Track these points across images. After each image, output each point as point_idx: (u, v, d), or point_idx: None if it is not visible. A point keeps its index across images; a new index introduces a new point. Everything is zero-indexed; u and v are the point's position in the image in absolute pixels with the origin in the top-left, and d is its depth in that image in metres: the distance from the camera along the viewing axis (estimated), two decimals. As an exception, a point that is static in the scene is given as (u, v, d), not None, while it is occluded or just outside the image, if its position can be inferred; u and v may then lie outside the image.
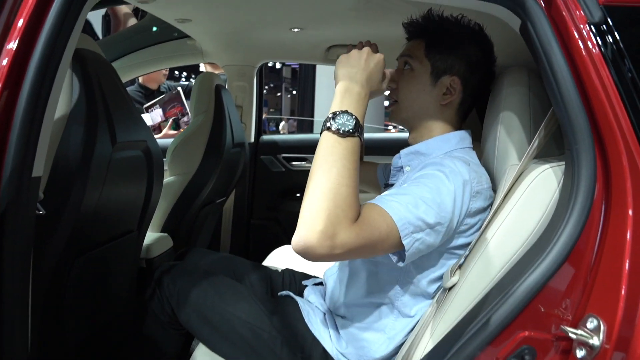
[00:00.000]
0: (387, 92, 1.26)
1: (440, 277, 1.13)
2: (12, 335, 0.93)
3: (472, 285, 0.99)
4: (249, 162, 2.71)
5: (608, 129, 0.84)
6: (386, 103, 10.00)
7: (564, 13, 0.89)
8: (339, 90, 1.03)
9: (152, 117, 3.19)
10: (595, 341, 0.80)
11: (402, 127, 1.37)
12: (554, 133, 1.08)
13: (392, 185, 1.31)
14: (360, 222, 0.92)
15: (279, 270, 1.57)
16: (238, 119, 2.43)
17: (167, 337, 1.34)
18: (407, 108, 1.24)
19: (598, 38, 0.86)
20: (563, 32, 0.89)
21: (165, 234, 2.02)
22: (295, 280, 1.52)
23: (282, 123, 7.49)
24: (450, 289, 1.03)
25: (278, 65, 16.94)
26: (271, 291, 1.50)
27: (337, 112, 0.98)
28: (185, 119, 3.19)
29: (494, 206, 1.09)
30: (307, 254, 0.88)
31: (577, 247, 0.84)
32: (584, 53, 0.86)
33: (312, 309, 1.27)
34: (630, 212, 0.79)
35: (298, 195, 2.79)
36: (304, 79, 7.26)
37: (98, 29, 3.01)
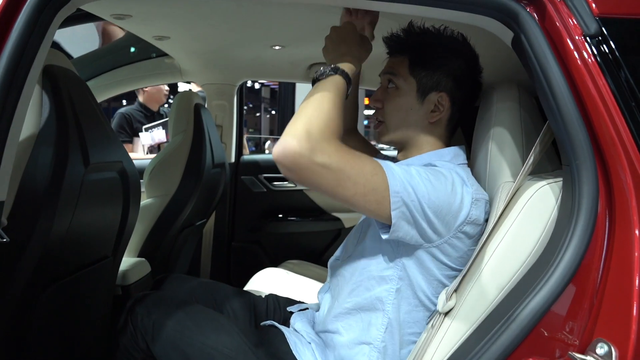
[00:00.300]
0: (368, 112, 1.24)
1: (433, 299, 1.09)
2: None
3: (470, 310, 0.94)
4: (230, 182, 2.65)
5: (609, 143, 0.81)
6: (365, 122, 10.05)
7: (558, 25, 0.86)
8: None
9: (152, 136, 3.17)
10: (605, 368, 0.75)
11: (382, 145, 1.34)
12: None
13: None
14: (345, 147, 0.96)
15: (263, 296, 1.50)
16: (218, 139, 2.37)
17: (140, 377, 1.25)
18: (394, 128, 1.20)
19: (594, 50, 0.84)
20: (558, 45, 0.86)
21: (143, 259, 1.93)
22: (280, 307, 1.45)
23: (268, 142, 7.43)
24: (446, 313, 0.98)
25: (257, 86, 16.95)
26: (255, 319, 1.42)
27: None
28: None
29: (489, 224, 1.05)
30: (287, 156, 0.90)
31: (581, 267, 0.80)
32: (581, 65, 0.84)
33: (299, 338, 1.20)
34: (637, 231, 0.76)
35: (280, 216, 2.73)
36: (284, 98, 7.25)
37: (71, 48, 2.93)
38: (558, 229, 0.89)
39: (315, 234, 2.70)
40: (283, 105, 7.25)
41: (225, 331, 1.18)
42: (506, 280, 0.93)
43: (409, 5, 0.98)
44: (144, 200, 2.02)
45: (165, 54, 2.29)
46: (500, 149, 1.13)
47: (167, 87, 3.53)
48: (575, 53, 0.85)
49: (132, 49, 2.42)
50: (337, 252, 1.29)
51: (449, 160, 1.16)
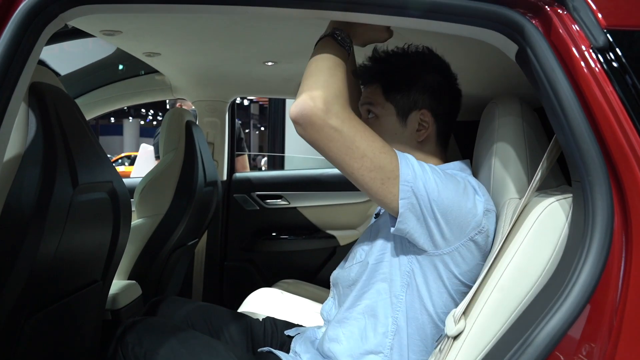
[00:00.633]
0: None
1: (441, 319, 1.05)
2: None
3: (480, 333, 0.90)
4: (222, 201, 2.60)
5: (622, 158, 0.79)
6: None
7: (565, 37, 0.84)
8: None
9: None
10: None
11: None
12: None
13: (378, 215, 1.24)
14: (358, 119, 1.00)
15: (260, 320, 1.44)
16: (210, 156, 2.33)
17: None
18: None
19: (603, 62, 0.82)
20: (565, 58, 0.84)
21: (133, 282, 1.87)
22: (277, 330, 1.40)
23: (264, 159, 7.37)
24: (455, 337, 0.94)
25: (246, 102, 16.97)
26: (252, 344, 1.36)
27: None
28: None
29: (496, 242, 1.01)
30: (303, 115, 0.94)
31: (598, 287, 0.77)
32: (590, 78, 0.81)
33: (299, 363, 1.15)
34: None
35: (274, 234, 2.68)
36: (274, 114, 7.23)
37: (57, 66, 2.89)
38: (570, 248, 0.86)
39: (309, 252, 2.65)
40: (273, 122, 7.23)
41: (222, 358, 1.13)
42: (518, 301, 0.89)
43: (410, 19, 0.96)
44: (135, 221, 1.98)
45: (155, 71, 2.26)
46: (503, 164, 1.10)
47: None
48: (584, 66, 0.82)
49: (120, 67, 2.39)
50: (342, 263, 1.25)
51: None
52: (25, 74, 0.86)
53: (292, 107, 0.97)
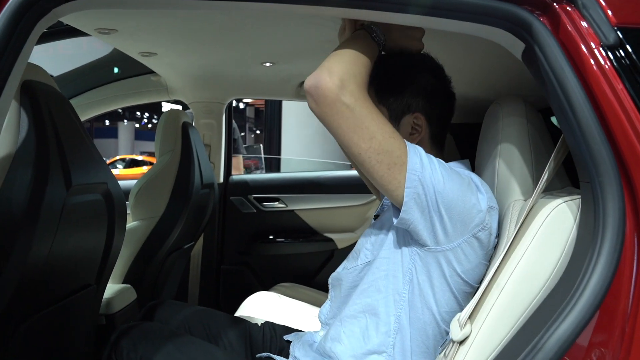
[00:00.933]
0: None
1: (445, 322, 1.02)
2: None
3: (487, 338, 0.87)
4: (218, 203, 2.57)
5: (634, 158, 0.76)
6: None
7: (574, 35, 0.82)
8: None
9: None
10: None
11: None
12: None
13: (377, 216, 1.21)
14: (372, 102, 1.00)
15: (259, 324, 1.41)
16: (206, 158, 2.30)
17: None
18: None
19: (614, 60, 0.80)
20: (575, 56, 0.82)
21: (128, 286, 1.84)
22: (276, 335, 1.37)
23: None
24: (461, 342, 0.91)
25: (241, 105, 16.95)
26: (251, 349, 1.33)
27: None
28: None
29: (501, 244, 0.99)
30: (317, 88, 0.95)
31: (610, 291, 0.74)
32: (600, 77, 0.79)
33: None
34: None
35: (271, 237, 2.65)
36: (270, 117, 7.20)
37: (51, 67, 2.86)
38: (579, 250, 0.83)
39: (307, 255, 2.62)
40: (270, 125, 7.20)
41: (220, 366, 1.10)
42: (525, 305, 0.87)
43: (414, 16, 0.94)
44: (130, 223, 1.94)
45: (151, 72, 2.23)
46: (508, 165, 1.08)
47: None
48: (594, 64, 0.80)
49: (116, 70, 2.36)
50: (344, 264, 1.22)
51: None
52: (17, 71, 0.83)
53: (308, 78, 0.97)
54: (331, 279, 1.24)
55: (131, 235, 1.89)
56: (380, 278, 1.07)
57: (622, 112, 0.78)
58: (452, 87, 1.21)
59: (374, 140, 0.97)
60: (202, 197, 2.18)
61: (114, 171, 11.65)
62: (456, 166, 1.14)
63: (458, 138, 2.00)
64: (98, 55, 2.34)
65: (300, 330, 1.39)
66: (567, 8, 0.83)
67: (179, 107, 3.28)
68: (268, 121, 7.20)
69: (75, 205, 1.15)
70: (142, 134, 23.76)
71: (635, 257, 0.76)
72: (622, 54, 0.80)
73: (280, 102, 6.61)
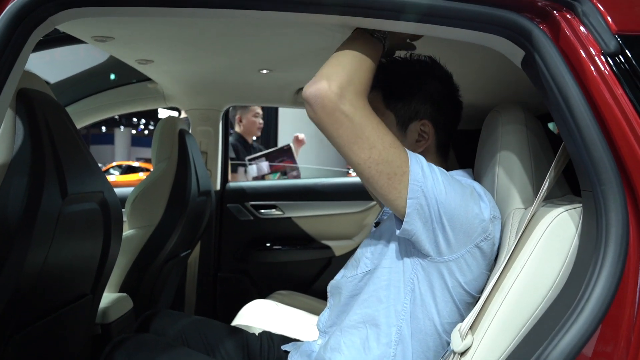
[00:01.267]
0: None
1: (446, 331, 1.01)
2: None
3: (489, 350, 0.86)
4: (215, 211, 2.55)
5: (636, 166, 0.76)
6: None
7: (575, 43, 0.81)
8: None
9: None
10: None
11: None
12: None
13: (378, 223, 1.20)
14: (372, 110, 0.98)
15: (256, 334, 1.40)
16: (203, 166, 2.29)
17: None
18: None
19: (615, 68, 0.79)
20: (575, 63, 0.81)
21: (125, 294, 1.82)
22: (274, 345, 1.35)
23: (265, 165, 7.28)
24: (462, 354, 0.90)
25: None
26: (248, 359, 1.32)
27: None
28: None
29: (502, 253, 0.98)
30: (316, 96, 0.93)
31: (614, 302, 0.73)
32: (601, 84, 0.79)
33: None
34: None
35: (268, 245, 2.64)
36: (266, 124, 7.21)
37: (48, 74, 2.85)
38: (581, 260, 0.83)
39: (304, 262, 2.61)
40: (266, 131, 7.21)
41: (216, 377, 1.08)
42: (528, 316, 0.86)
43: (412, 24, 0.93)
44: (126, 232, 1.93)
45: (148, 79, 2.22)
46: (508, 173, 1.07)
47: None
48: (594, 71, 0.80)
49: (112, 76, 2.35)
50: (342, 272, 1.21)
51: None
52: (12, 79, 0.82)
53: (307, 86, 0.95)
54: (330, 287, 1.22)
55: (127, 243, 1.88)
56: (381, 288, 1.05)
57: (623, 119, 0.77)
58: (459, 96, 1.20)
59: (374, 150, 0.95)
60: (199, 205, 2.16)
61: (110, 178, 11.61)
62: (459, 175, 1.13)
63: (457, 145, 2.00)
64: (95, 62, 2.34)
65: (298, 340, 1.38)
66: (567, 15, 0.83)
67: (176, 114, 3.29)
68: (264, 127, 7.20)
69: (71, 214, 1.14)
70: (139, 141, 23.73)
71: None
72: (623, 61, 0.80)
73: (276, 109, 6.61)
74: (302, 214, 2.64)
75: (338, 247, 2.61)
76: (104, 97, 2.34)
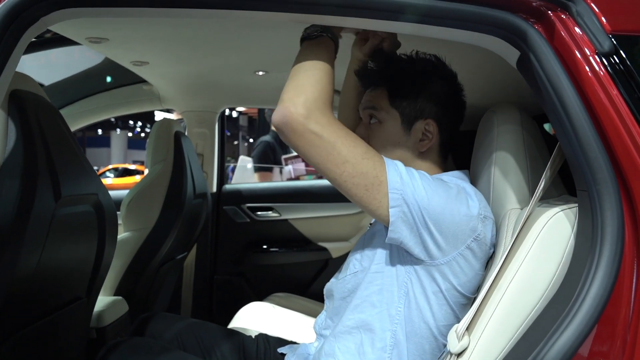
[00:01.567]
0: None
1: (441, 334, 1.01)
2: None
3: (486, 351, 0.86)
4: (211, 213, 2.55)
5: (631, 166, 0.76)
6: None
7: (569, 43, 0.81)
8: None
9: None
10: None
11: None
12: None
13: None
14: (339, 123, 0.98)
15: (253, 337, 1.39)
16: (199, 168, 2.28)
17: None
18: None
19: (609, 68, 0.79)
20: (570, 63, 0.81)
21: (120, 298, 1.81)
22: (270, 348, 1.35)
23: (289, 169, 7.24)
24: (458, 355, 0.89)
25: (234, 114, 16.94)
26: (244, 362, 1.31)
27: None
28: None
29: (498, 254, 0.98)
30: (285, 123, 0.94)
31: (610, 301, 0.73)
32: (596, 84, 0.79)
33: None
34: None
35: (265, 247, 2.63)
36: (263, 125, 7.21)
37: (42, 76, 2.84)
38: (577, 260, 0.82)
39: (301, 264, 2.60)
40: (262, 133, 7.21)
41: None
42: (524, 316, 0.85)
43: (407, 24, 0.93)
44: (121, 234, 1.91)
45: (143, 81, 2.22)
46: (504, 173, 1.07)
47: None
48: (589, 71, 0.80)
49: (109, 79, 2.34)
50: (337, 274, 1.20)
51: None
52: (4, 80, 0.81)
53: (274, 113, 0.96)
54: (325, 290, 1.22)
55: (123, 246, 1.87)
56: (374, 293, 1.05)
57: (618, 119, 0.77)
58: (464, 96, 1.20)
59: (347, 165, 0.96)
60: (195, 207, 2.16)
61: (106, 181, 11.58)
62: (455, 176, 1.12)
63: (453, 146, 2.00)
64: (91, 64, 2.33)
65: (295, 342, 1.37)
66: (562, 16, 0.83)
67: (172, 116, 3.27)
68: (261, 129, 7.20)
69: (65, 216, 1.13)
70: (135, 143, 23.67)
71: (635, 266, 0.75)
72: (617, 61, 0.80)
73: (273, 111, 6.60)
74: (298, 215, 2.63)
75: (335, 249, 2.60)
76: (100, 99, 2.33)
